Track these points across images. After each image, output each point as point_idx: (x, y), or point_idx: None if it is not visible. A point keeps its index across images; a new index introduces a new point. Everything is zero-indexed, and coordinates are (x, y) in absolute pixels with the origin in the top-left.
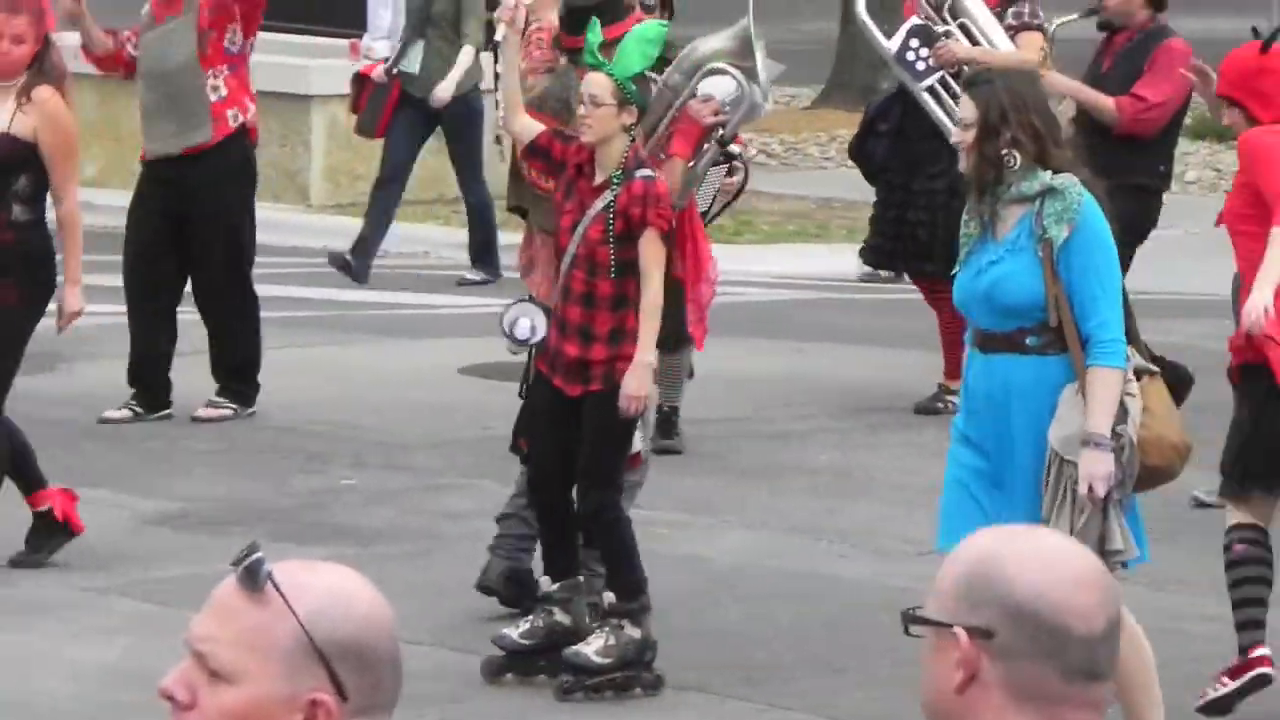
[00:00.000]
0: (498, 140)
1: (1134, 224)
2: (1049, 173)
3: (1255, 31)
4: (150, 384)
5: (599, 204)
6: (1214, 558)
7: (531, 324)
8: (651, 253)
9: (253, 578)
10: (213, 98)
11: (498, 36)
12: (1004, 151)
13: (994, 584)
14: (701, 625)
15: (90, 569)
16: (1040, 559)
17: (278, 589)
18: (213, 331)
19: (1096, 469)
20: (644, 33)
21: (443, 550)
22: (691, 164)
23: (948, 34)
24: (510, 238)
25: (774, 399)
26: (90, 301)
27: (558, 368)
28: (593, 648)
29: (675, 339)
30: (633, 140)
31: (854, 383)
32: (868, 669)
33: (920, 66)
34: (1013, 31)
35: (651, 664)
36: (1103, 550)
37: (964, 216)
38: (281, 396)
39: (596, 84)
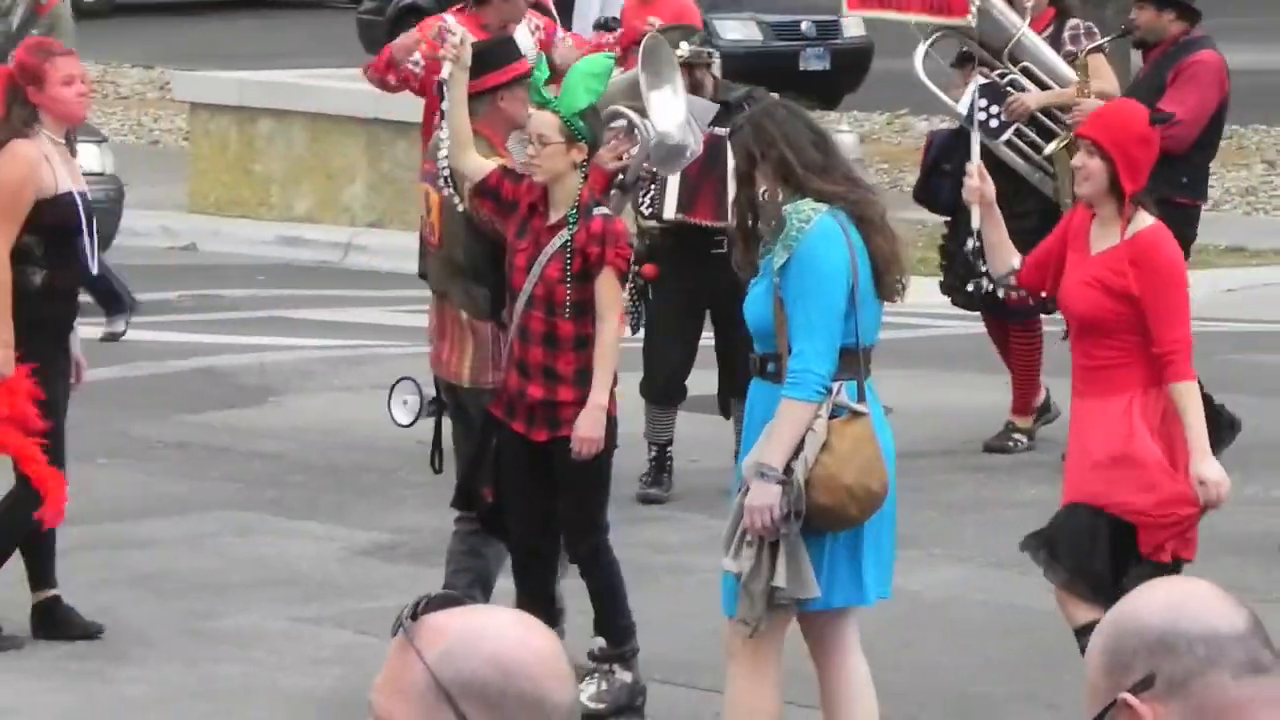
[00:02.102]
0: (447, 182)
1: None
2: (807, 200)
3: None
4: None
5: (556, 242)
6: None
7: (406, 405)
8: (608, 292)
9: (396, 626)
10: None
11: (443, 74)
12: (760, 193)
13: (1128, 635)
14: (909, 659)
15: (302, 600)
16: (1154, 588)
17: (407, 635)
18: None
19: (755, 500)
20: (589, 67)
21: (650, 583)
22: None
23: (1013, 83)
24: None
25: (979, 432)
26: (299, 336)
27: (518, 411)
28: (586, 694)
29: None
30: (586, 177)
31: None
32: (1082, 703)
33: (994, 124)
34: (1072, 59)
35: (642, 708)
36: (771, 587)
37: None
38: None
39: (543, 122)
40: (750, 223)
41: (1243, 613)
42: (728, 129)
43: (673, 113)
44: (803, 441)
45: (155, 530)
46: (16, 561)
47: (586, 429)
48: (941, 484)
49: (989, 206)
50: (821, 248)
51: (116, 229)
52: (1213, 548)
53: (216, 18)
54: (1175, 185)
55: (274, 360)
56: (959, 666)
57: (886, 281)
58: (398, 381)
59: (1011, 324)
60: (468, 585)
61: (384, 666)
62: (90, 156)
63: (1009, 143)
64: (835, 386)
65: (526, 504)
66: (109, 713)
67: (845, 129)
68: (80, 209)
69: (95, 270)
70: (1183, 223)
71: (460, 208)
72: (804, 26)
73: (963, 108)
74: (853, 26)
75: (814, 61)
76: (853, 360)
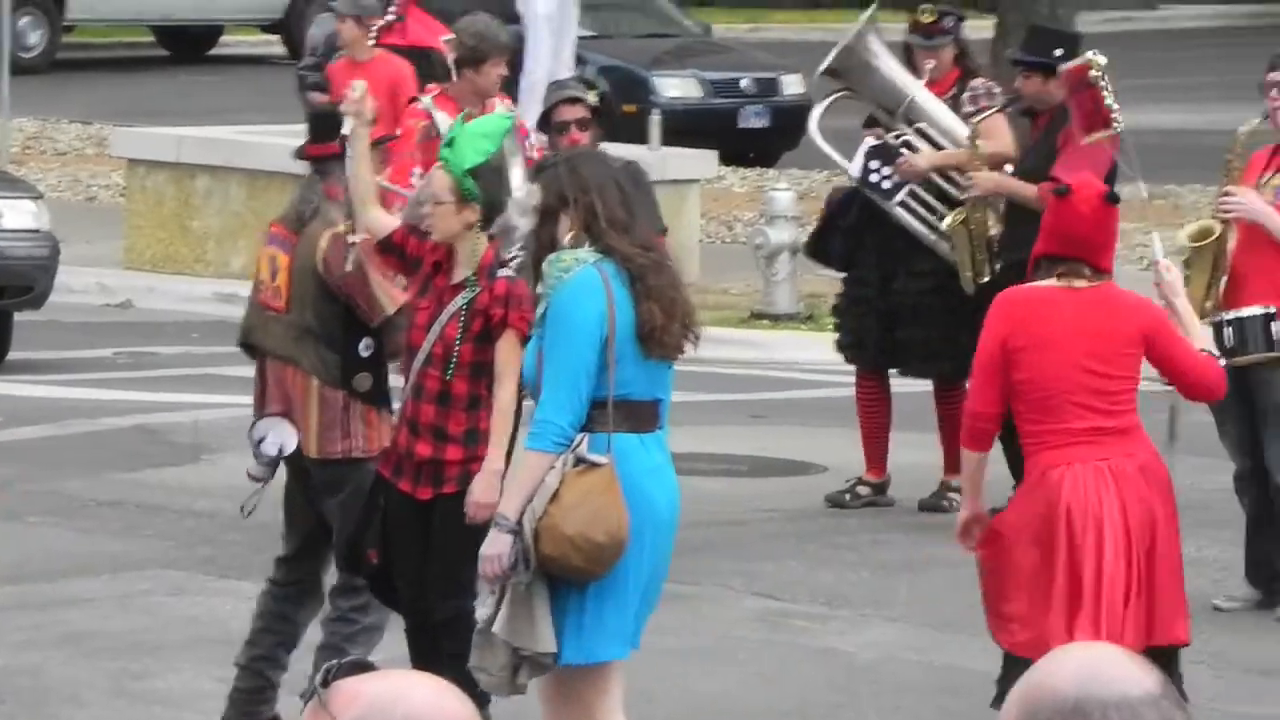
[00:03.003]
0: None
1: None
2: (578, 249)
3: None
4: None
5: (458, 301)
6: None
7: (281, 441)
8: (508, 354)
9: (309, 693)
10: None
11: (345, 129)
12: (561, 234)
13: (1044, 704)
14: (841, 718)
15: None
16: (1064, 655)
17: (321, 701)
18: None
19: (488, 548)
20: (479, 127)
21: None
22: None
23: (906, 144)
24: None
25: (915, 491)
26: (234, 393)
27: (405, 470)
28: None
29: None
30: (491, 239)
31: (994, 475)
32: None
33: (886, 185)
34: (970, 119)
35: None
36: (502, 642)
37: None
38: None
39: (436, 182)
40: (544, 258)
41: (1153, 675)
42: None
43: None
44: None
45: (87, 589)
46: None
47: (480, 493)
48: (876, 543)
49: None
50: (575, 299)
51: (51, 286)
52: None
53: (155, 74)
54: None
55: (208, 418)
56: None
57: (648, 339)
58: (262, 417)
59: (937, 389)
60: (273, 645)
61: None
62: (26, 213)
63: (903, 204)
64: (579, 438)
65: (415, 565)
66: None
67: (783, 187)
68: None
69: None
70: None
71: (328, 269)
72: (744, 84)
73: (854, 169)
74: (792, 85)
75: (754, 119)
76: (603, 414)
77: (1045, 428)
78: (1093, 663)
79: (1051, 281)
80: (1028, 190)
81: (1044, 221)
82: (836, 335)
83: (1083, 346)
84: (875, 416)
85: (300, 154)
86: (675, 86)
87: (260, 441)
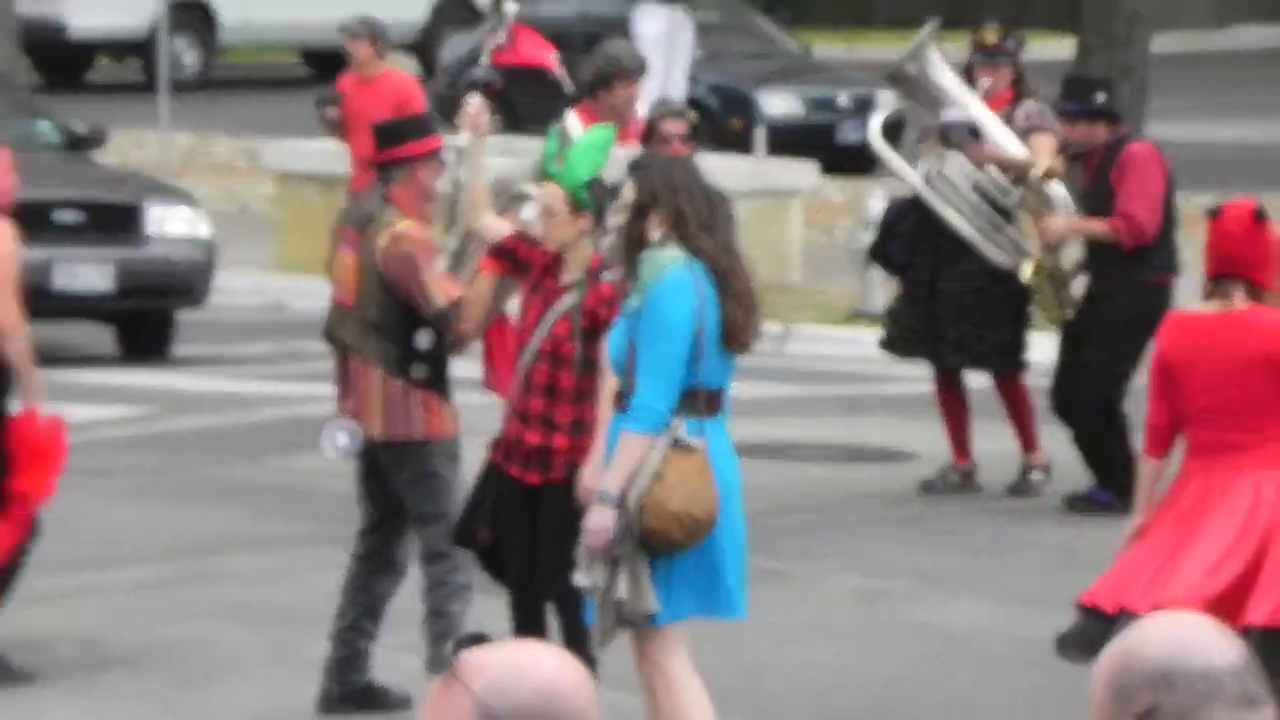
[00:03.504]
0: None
1: (1144, 317)
2: (671, 248)
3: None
4: None
5: (566, 302)
6: None
7: (338, 440)
8: None
9: (442, 665)
10: None
11: (461, 141)
12: (650, 230)
13: (1132, 670)
14: (940, 691)
15: (383, 629)
16: (1156, 624)
17: (454, 671)
18: None
19: (592, 522)
20: (590, 140)
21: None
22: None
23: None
24: None
25: (1001, 477)
26: None
27: (515, 456)
28: None
29: None
30: (596, 244)
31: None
32: None
33: (944, 196)
34: (1023, 135)
35: None
36: (614, 600)
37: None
38: None
39: (549, 195)
40: (635, 252)
41: (1237, 647)
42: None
43: None
44: (639, 470)
45: (247, 565)
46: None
47: (590, 478)
48: (966, 525)
49: None
50: (670, 297)
51: (209, 287)
52: None
53: (301, 92)
54: (1147, 266)
55: None
56: (986, 698)
57: (731, 337)
58: (329, 419)
59: (996, 380)
60: (359, 614)
61: (428, 702)
62: (185, 221)
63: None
64: (674, 422)
65: (523, 544)
66: None
67: (879, 195)
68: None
69: None
70: (1158, 299)
71: (384, 268)
72: (841, 101)
73: (916, 175)
74: (887, 101)
75: (850, 133)
76: (694, 400)
77: (1195, 440)
78: (1181, 632)
79: (1209, 303)
80: (1098, 227)
81: (1206, 243)
82: (882, 332)
83: (1222, 368)
84: (950, 408)
85: (370, 162)
86: (778, 104)
87: (331, 440)
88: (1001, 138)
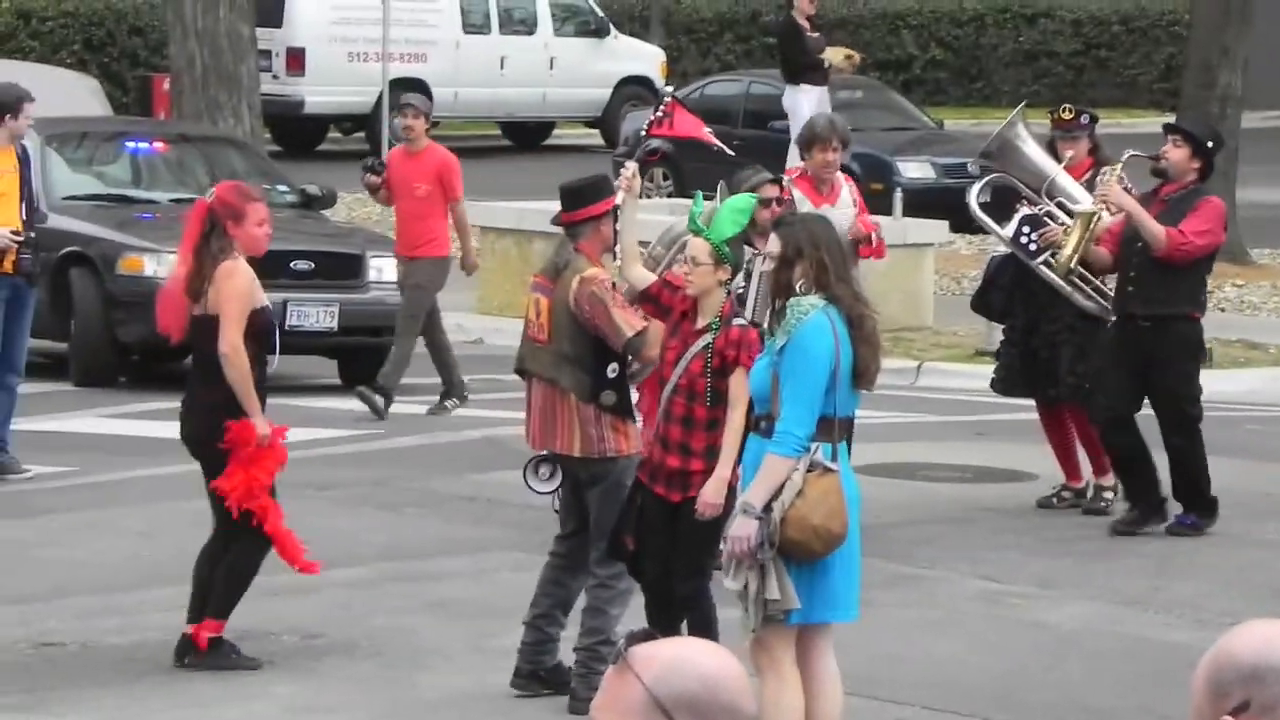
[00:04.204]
0: (613, 287)
1: (1193, 346)
2: (813, 295)
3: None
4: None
5: (700, 343)
6: None
7: (549, 469)
8: (739, 387)
9: (615, 658)
10: None
11: (618, 200)
12: (795, 279)
13: (1226, 668)
14: (1052, 679)
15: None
16: (1247, 629)
17: (626, 662)
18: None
19: (736, 531)
20: (735, 204)
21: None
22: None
23: (1049, 214)
24: None
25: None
26: None
27: (659, 477)
28: None
29: None
30: (729, 293)
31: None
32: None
33: (1032, 247)
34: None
35: None
36: (763, 599)
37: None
38: None
39: (696, 248)
40: (783, 297)
41: None
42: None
43: None
44: (782, 487)
45: (449, 565)
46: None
47: (711, 494)
48: (1078, 537)
49: None
50: (813, 337)
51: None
52: None
53: (501, 160)
54: (1184, 300)
55: None
56: (1092, 686)
57: (862, 376)
58: (531, 459)
59: (1067, 408)
60: (551, 605)
61: (602, 690)
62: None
63: (1045, 263)
64: (813, 447)
65: (662, 552)
66: (412, 713)
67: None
68: (272, 321)
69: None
70: (1195, 335)
71: (576, 309)
72: (969, 167)
73: (1007, 233)
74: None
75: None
76: (829, 427)
77: None
78: (1271, 636)
79: None
80: (1157, 227)
81: None
82: (994, 375)
83: None
84: (1056, 435)
85: (556, 220)
86: (914, 169)
87: (533, 475)
88: (1079, 195)
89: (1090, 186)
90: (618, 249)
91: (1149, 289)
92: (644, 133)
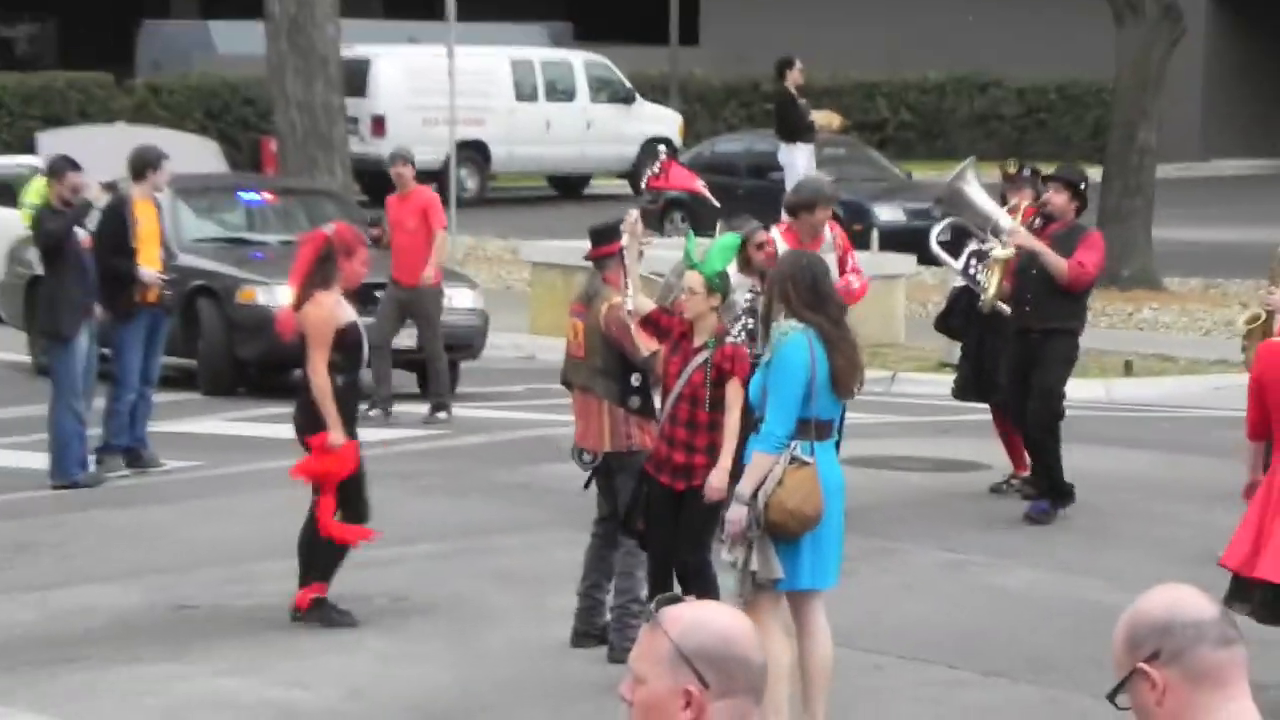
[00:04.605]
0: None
1: (1070, 356)
2: (791, 320)
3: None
4: None
5: (700, 358)
6: None
7: (590, 457)
8: (734, 394)
9: (648, 617)
10: None
11: (623, 242)
12: (775, 309)
13: (1140, 624)
14: (1001, 632)
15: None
16: (1155, 593)
17: (657, 620)
18: None
19: (730, 514)
20: (724, 242)
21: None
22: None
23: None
24: None
25: (1104, 483)
26: None
27: (664, 469)
28: None
29: None
30: (720, 316)
31: (1103, 470)
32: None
33: (979, 277)
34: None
35: None
36: (750, 571)
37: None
38: None
39: (692, 280)
40: (767, 324)
41: (1215, 605)
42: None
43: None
44: (766, 478)
45: (507, 542)
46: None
47: (716, 482)
48: (1025, 515)
49: None
50: (791, 354)
51: (484, 345)
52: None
53: (548, 207)
54: (1070, 317)
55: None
56: (1038, 638)
57: (839, 385)
58: (577, 450)
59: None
60: (599, 575)
61: (637, 643)
62: (467, 297)
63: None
64: (793, 444)
65: (665, 531)
66: (482, 661)
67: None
68: (361, 334)
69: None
70: (1073, 347)
71: (605, 329)
72: (933, 211)
73: (959, 265)
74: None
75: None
76: (807, 428)
77: (1275, 443)
78: (1176, 596)
79: None
80: (1059, 262)
81: None
82: (951, 382)
83: None
84: (1004, 430)
85: (587, 256)
86: (887, 213)
87: (578, 457)
88: (1022, 236)
89: (1035, 231)
90: (626, 281)
91: (1042, 308)
92: (643, 186)
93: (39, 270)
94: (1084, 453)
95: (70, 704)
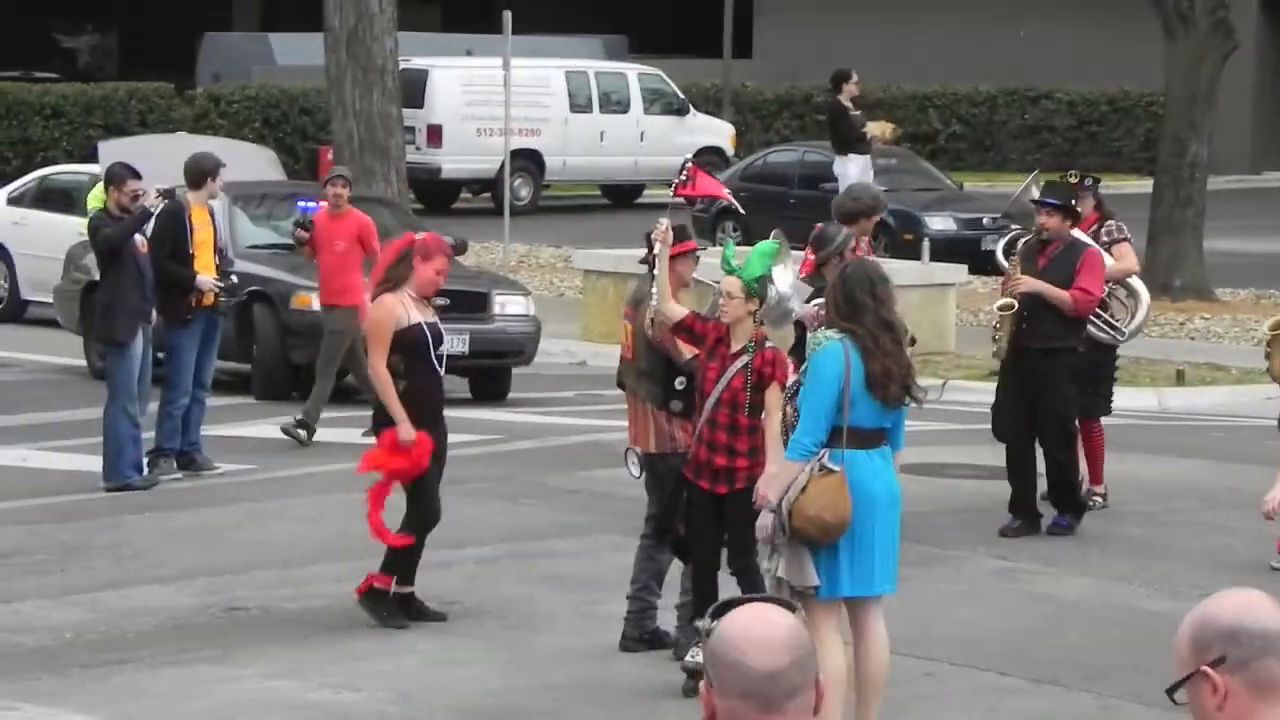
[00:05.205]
0: (652, 323)
1: (1074, 370)
2: (828, 330)
3: None
4: None
5: (739, 363)
6: None
7: (638, 463)
8: (774, 398)
9: (703, 617)
10: None
11: (656, 250)
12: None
13: (1208, 627)
14: (1051, 639)
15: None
16: (1225, 596)
17: (706, 634)
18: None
19: (760, 521)
20: (763, 249)
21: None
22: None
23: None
24: None
25: (1158, 492)
26: None
27: (704, 474)
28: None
29: None
30: (759, 322)
31: (1155, 479)
32: (1171, 672)
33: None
34: (1108, 246)
35: None
36: (781, 578)
37: None
38: None
39: (730, 285)
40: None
41: None
42: None
43: (787, 283)
44: (791, 485)
45: (558, 546)
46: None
47: (763, 487)
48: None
49: None
50: (823, 362)
51: (536, 350)
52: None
53: (601, 215)
54: (1070, 336)
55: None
56: (1087, 645)
57: (877, 392)
58: (627, 449)
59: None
60: (648, 578)
61: (704, 645)
62: (520, 304)
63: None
64: (822, 452)
65: (707, 535)
66: (530, 666)
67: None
68: (428, 334)
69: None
70: (1076, 361)
71: (649, 333)
72: (985, 221)
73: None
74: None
75: (991, 244)
76: (838, 436)
77: None
78: (1247, 603)
79: None
80: (1063, 295)
81: None
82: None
83: None
84: (1085, 444)
85: (642, 260)
86: (938, 223)
87: (628, 463)
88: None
89: (1097, 237)
90: (653, 289)
91: (1039, 326)
92: (671, 194)
93: (95, 276)
94: (1136, 462)
95: (120, 705)
